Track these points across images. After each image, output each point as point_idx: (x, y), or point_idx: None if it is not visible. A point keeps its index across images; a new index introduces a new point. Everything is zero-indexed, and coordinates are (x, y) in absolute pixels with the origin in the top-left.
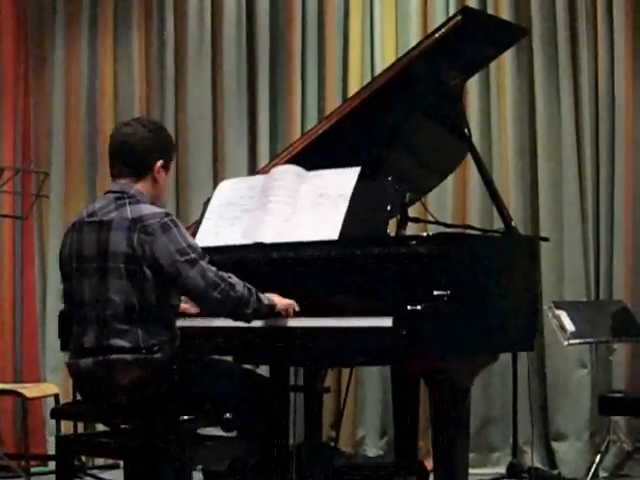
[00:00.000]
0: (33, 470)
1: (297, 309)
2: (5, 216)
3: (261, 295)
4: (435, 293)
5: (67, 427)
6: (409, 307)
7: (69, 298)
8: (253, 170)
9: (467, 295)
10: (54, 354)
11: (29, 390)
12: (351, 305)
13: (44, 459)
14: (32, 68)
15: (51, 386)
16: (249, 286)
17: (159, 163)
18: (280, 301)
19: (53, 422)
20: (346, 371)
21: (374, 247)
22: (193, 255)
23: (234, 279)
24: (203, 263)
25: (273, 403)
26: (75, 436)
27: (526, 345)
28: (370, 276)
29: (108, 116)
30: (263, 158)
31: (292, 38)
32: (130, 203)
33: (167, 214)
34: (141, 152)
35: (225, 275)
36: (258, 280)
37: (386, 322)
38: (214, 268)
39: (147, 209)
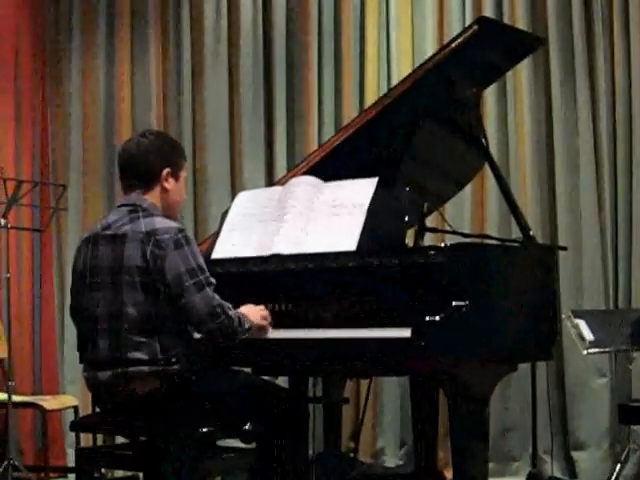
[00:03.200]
0: None
1: (271, 322)
2: (24, 229)
3: (244, 320)
4: (454, 304)
5: (86, 439)
6: (428, 318)
7: (79, 313)
8: (270, 181)
9: (485, 305)
10: (73, 366)
11: (48, 402)
12: (369, 316)
13: (64, 471)
14: (49, 81)
15: (70, 398)
16: (240, 316)
17: (166, 171)
18: (254, 317)
19: (72, 434)
20: (365, 382)
21: (392, 258)
22: (201, 278)
23: (232, 311)
24: (209, 290)
25: (292, 414)
26: (95, 448)
27: (545, 354)
28: (388, 287)
29: (126, 128)
30: (280, 169)
31: (309, 47)
32: (144, 216)
33: (181, 230)
34: (145, 163)
35: (226, 306)
36: (274, 291)
37: (405, 333)
38: (218, 297)
39: (161, 223)
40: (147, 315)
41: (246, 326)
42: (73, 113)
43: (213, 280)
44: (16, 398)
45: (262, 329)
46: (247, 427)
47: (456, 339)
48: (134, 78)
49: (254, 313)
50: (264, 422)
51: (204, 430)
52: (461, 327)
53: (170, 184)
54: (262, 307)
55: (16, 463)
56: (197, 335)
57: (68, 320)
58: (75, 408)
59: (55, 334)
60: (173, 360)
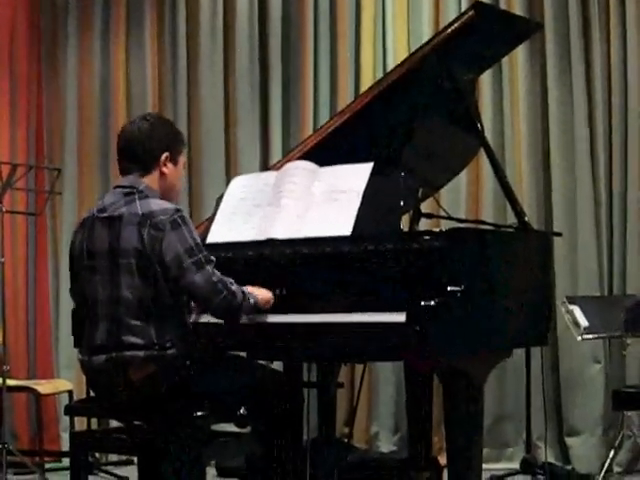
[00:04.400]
0: (47, 466)
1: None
2: (19, 212)
3: (249, 295)
4: (449, 289)
5: (81, 423)
6: (423, 303)
7: (79, 296)
8: (266, 166)
9: (480, 291)
10: (67, 350)
11: (43, 386)
12: (364, 301)
13: (58, 455)
14: (45, 65)
15: (65, 382)
16: (243, 290)
17: (164, 155)
18: (260, 295)
19: (67, 418)
20: (359, 367)
21: (387, 243)
22: (200, 256)
23: (234, 286)
24: (209, 267)
25: (286, 399)
26: (89, 432)
27: (540, 340)
28: (383, 272)
29: (120, 113)
30: (276, 154)
31: (304, 33)
32: (140, 198)
33: (177, 210)
34: (145, 146)
35: (227, 281)
36: (270, 276)
37: (399, 318)
38: (218, 273)
39: (157, 204)
40: (143, 299)
41: (251, 301)
42: (68, 97)
43: (212, 257)
44: (10, 382)
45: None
46: (242, 411)
47: (451, 324)
48: (129, 62)
49: (259, 291)
50: (259, 407)
51: (199, 414)
52: (456, 312)
53: (169, 169)
54: (265, 289)
55: (11, 447)
56: (201, 319)
57: (63, 304)
58: (69, 392)
59: (50, 318)
60: (168, 345)
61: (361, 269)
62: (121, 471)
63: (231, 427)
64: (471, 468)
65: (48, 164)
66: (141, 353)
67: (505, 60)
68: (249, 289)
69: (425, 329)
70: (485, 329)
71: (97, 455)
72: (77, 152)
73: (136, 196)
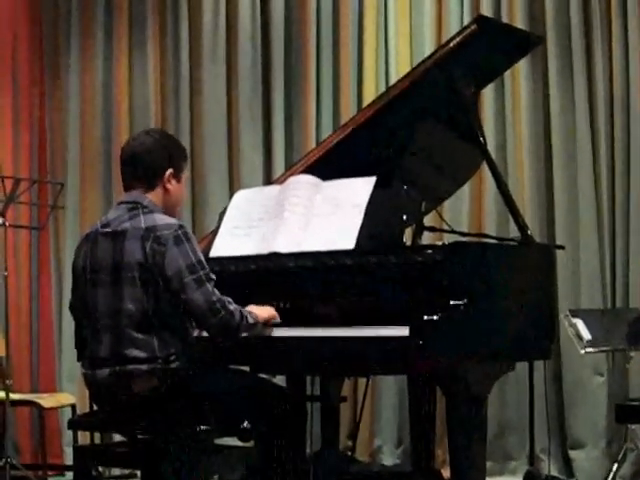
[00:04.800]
0: None
1: (278, 320)
2: (22, 227)
3: (248, 316)
4: (451, 303)
5: (84, 437)
6: (426, 317)
7: (78, 311)
8: (269, 180)
9: (483, 304)
10: (70, 364)
11: (46, 400)
12: (367, 315)
13: (61, 469)
14: (47, 79)
15: (68, 396)
16: (242, 311)
17: (168, 172)
18: (261, 314)
19: (70, 432)
20: (363, 380)
21: (390, 256)
22: (201, 274)
23: (233, 306)
24: (209, 285)
25: (289, 413)
26: (92, 446)
27: (543, 353)
28: (386, 285)
29: (124, 126)
30: (278, 167)
31: (307, 47)
32: (144, 213)
33: (181, 226)
34: (149, 162)
35: (226, 301)
36: (273, 290)
37: (403, 332)
38: (217, 292)
39: (161, 219)
40: (146, 312)
41: (250, 321)
42: (71, 111)
43: (213, 276)
44: (14, 396)
45: (269, 326)
46: (245, 425)
47: (454, 338)
48: (132, 76)
49: (261, 310)
50: (262, 421)
51: (202, 428)
52: (459, 326)
53: (172, 185)
54: (269, 307)
55: (14, 461)
56: (202, 333)
57: (66, 318)
58: (73, 406)
59: (53, 332)
60: (172, 358)
61: (364, 283)
62: None
63: (234, 441)
64: None
65: (51, 178)
66: (144, 366)
67: (507, 73)
68: (251, 308)
69: (428, 343)
70: (487, 343)
71: (100, 469)
72: (80, 166)
73: (140, 211)
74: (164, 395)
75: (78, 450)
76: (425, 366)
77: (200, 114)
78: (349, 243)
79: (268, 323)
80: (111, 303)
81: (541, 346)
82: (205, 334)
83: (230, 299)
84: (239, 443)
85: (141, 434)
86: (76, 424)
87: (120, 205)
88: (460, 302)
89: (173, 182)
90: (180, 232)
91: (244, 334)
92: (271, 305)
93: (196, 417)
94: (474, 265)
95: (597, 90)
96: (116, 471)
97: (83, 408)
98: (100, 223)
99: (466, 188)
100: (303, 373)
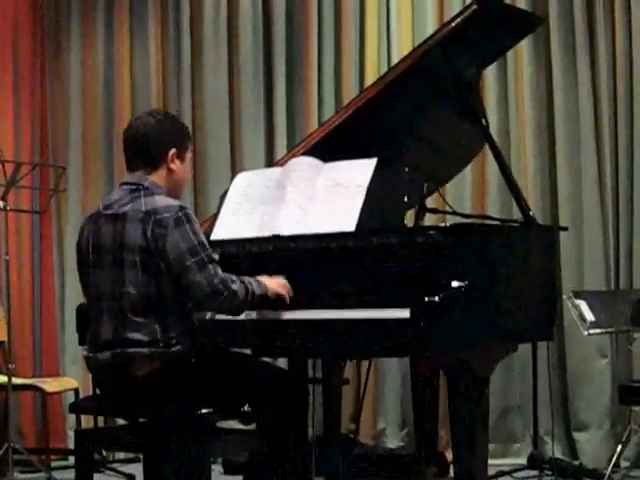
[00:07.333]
0: (54, 464)
1: (291, 293)
2: (23, 211)
3: (255, 287)
4: (453, 284)
5: (87, 421)
6: (427, 299)
7: (85, 292)
8: (270, 162)
9: (485, 286)
10: (73, 348)
11: (49, 384)
12: (368, 296)
13: (65, 453)
14: (48, 62)
15: (70, 380)
16: (246, 284)
17: (172, 152)
18: (271, 285)
19: (73, 416)
20: (365, 363)
21: (391, 238)
22: (202, 255)
23: (236, 284)
24: (211, 267)
25: (291, 396)
26: (95, 430)
27: (545, 335)
28: (387, 267)
29: (125, 109)
30: (280, 149)
31: (308, 27)
32: (145, 195)
33: (182, 208)
34: (151, 143)
35: (229, 280)
36: (274, 272)
37: (404, 313)
38: (220, 272)
39: (161, 201)
40: (147, 295)
41: (258, 292)
42: (72, 94)
43: (215, 256)
44: (16, 381)
45: (280, 297)
46: (246, 409)
47: (456, 319)
48: (133, 58)
49: (271, 281)
50: (264, 404)
51: (204, 412)
52: (461, 307)
53: (176, 165)
54: (280, 278)
55: (17, 446)
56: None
57: (68, 302)
58: (75, 390)
59: (55, 316)
60: (173, 342)
61: (365, 265)
62: (127, 469)
63: (236, 424)
64: (477, 463)
65: (52, 162)
66: (145, 350)
67: (510, 54)
68: (262, 278)
69: (429, 325)
70: (489, 324)
71: (103, 453)
72: (81, 150)
73: (141, 193)
74: (165, 378)
75: (79, 434)
76: (426, 348)
77: (202, 93)
78: (350, 225)
79: (281, 290)
80: (113, 286)
81: (543, 327)
82: (206, 317)
83: (234, 277)
84: (241, 426)
85: (142, 417)
86: (77, 408)
87: (123, 186)
88: (462, 284)
89: (177, 162)
90: (181, 213)
91: (246, 308)
92: None
93: (198, 400)
94: (476, 247)
95: (600, 70)
96: (119, 454)
97: (86, 392)
98: (102, 204)
99: (469, 169)
100: (304, 356)
